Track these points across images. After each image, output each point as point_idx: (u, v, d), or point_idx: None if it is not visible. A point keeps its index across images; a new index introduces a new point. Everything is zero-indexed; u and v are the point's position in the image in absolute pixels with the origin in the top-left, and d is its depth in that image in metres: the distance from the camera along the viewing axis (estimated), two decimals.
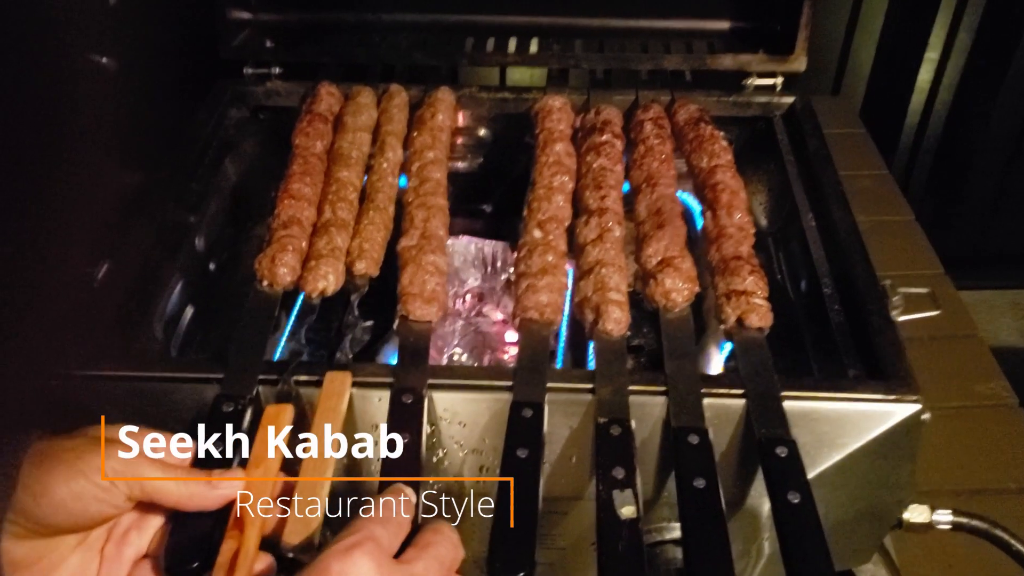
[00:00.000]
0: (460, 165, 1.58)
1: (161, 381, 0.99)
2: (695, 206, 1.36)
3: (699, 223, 1.31)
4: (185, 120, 1.41)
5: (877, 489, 1.01)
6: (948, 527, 1.07)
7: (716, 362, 1.19)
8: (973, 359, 1.69)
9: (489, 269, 1.51)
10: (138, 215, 1.25)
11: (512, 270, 1.34)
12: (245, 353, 1.00)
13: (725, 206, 1.16)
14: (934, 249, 2.06)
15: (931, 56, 2.47)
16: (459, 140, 1.55)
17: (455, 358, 1.38)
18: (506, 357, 1.35)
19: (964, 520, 1.08)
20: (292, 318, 1.26)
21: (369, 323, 1.35)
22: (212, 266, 1.35)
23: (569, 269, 1.14)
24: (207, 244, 1.34)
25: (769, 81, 1.46)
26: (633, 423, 0.93)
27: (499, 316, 1.43)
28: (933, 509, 1.07)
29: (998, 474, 1.48)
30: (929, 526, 1.07)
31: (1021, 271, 2.89)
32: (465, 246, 1.49)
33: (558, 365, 1.20)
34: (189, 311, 1.27)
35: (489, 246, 1.49)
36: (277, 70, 1.48)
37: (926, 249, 1.94)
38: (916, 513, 1.06)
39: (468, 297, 1.50)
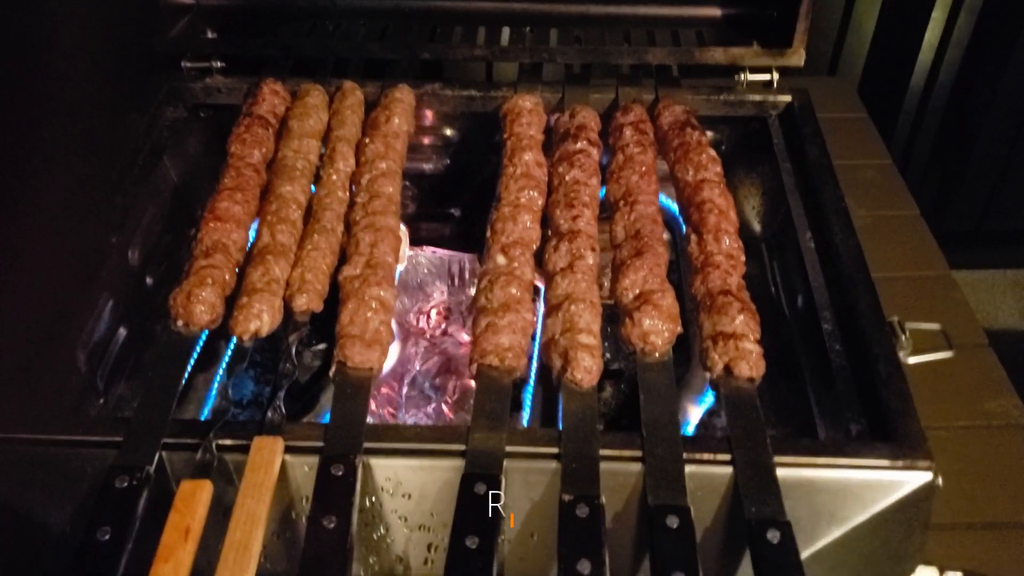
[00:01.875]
0: (426, 167, 1.45)
1: (54, 445, 0.86)
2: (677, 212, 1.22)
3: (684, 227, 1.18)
4: (115, 121, 1.27)
5: (882, 562, 0.89)
6: None
7: (698, 411, 1.06)
8: (982, 372, 1.56)
9: (456, 282, 1.37)
10: (54, 230, 1.11)
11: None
12: (149, 411, 0.87)
13: (712, 229, 1.03)
14: (935, 226, 1.94)
15: (936, 16, 2.33)
16: (425, 140, 1.41)
17: (416, 384, 1.25)
18: (473, 384, 1.22)
19: None
20: (223, 366, 1.13)
21: (319, 353, 1.22)
22: (149, 280, 1.22)
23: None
24: (142, 256, 1.20)
25: (764, 77, 1.31)
26: (603, 499, 0.80)
27: (466, 337, 1.30)
28: (943, 571, 0.95)
29: (1011, 504, 1.36)
30: None
31: (1023, 250, 2.78)
32: (429, 258, 1.36)
33: (525, 415, 1.07)
34: (122, 333, 1.14)
35: (456, 258, 1.35)
36: (218, 64, 1.33)
37: (930, 247, 1.80)
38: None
39: (433, 314, 1.37)
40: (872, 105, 2.16)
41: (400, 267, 1.28)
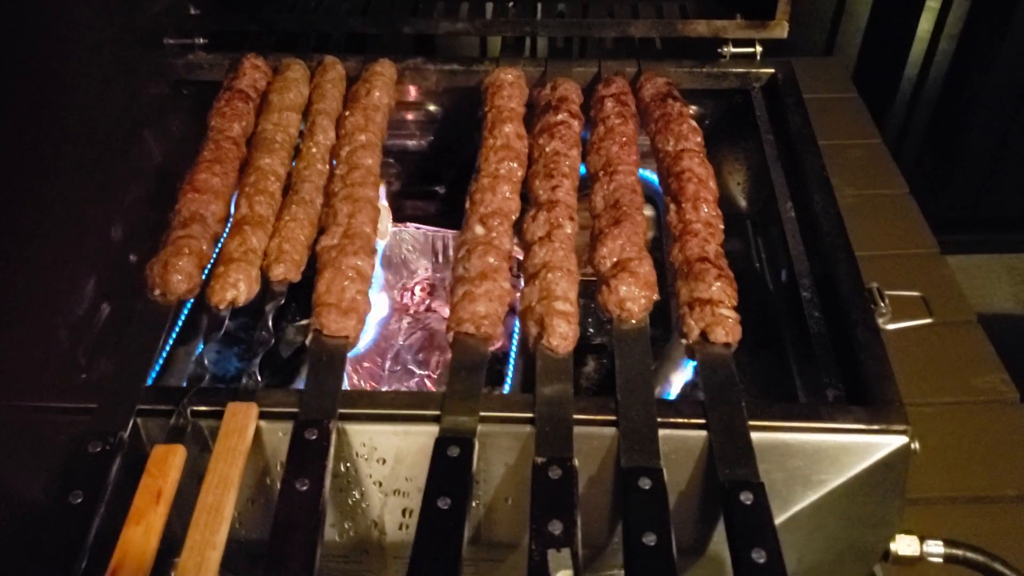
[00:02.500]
0: (409, 143, 1.44)
1: (28, 412, 0.86)
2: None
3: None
4: (97, 98, 1.26)
5: (859, 528, 0.88)
6: (940, 560, 0.95)
7: (679, 379, 1.06)
8: (970, 348, 1.56)
9: (440, 259, 1.37)
10: (35, 208, 1.11)
11: None
12: (123, 378, 0.87)
13: (691, 198, 1.02)
14: (929, 211, 1.92)
15: (932, 5, 2.32)
16: (408, 116, 1.41)
17: (400, 359, 1.25)
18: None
19: (958, 552, 0.95)
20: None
21: (301, 328, 1.22)
22: (133, 257, 1.21)
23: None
24: (125, 233, 1.20)
25: (747, 50, 1.31)
26: (576, 462, 0.80)
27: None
28: (923, 540, 0.95)
29: (996, 479, 1.36)
30: (919, 559, 0.94)
31: (1018, 235, 2.77)
32: (413, 234, 1.36)
33: (506, 388, 1.07)
34: (105, 309, 1.13)
35: (440, 234, 1.35)
36: (200, 40, 1.33)
37: (919, 225, 1.80)
38: (904, 545, 0.93)
39: (417, 290, 1.36)
40: (867, 91, 2.16)
41: (382, 242, 1.28)
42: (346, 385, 1.08)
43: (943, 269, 1.71)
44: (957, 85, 2.47)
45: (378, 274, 1.21)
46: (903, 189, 1.87)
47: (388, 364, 1.24)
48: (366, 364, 1.21)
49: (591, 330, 1.25)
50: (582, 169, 1.14)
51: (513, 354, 1.11)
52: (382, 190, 1.18)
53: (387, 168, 1.47)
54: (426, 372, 1.23)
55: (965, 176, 2.65)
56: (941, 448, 1.39)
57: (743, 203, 1.37)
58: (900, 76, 2.48)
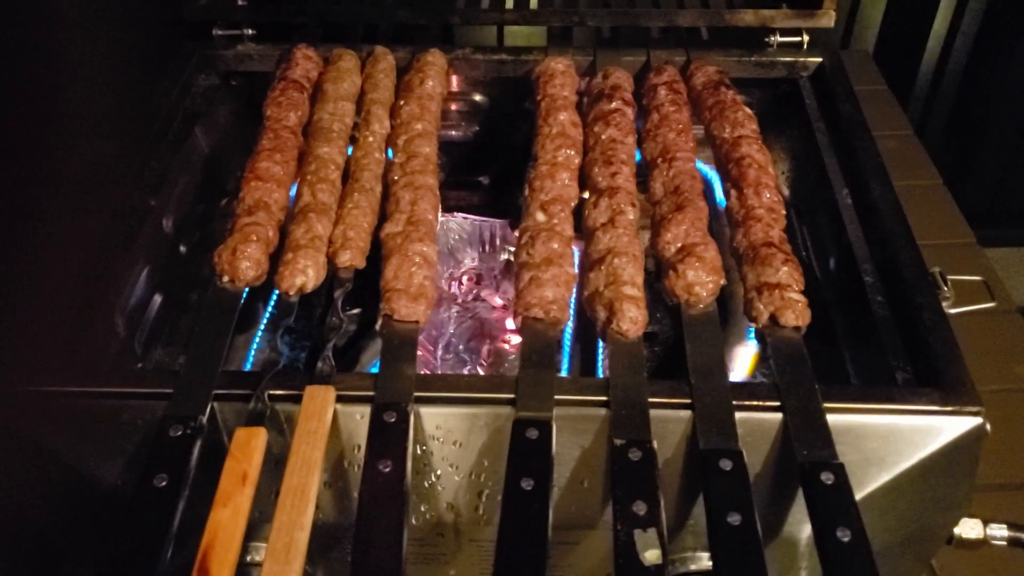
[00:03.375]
0: (454, 134, 1.45)
1: (103, 397, 0.86)
2: (715, 177, 1.23)
3: (720, 199, 1.18)
4: (147, 89, 1.27)
5: (930, 510, 0.89)
6: (1004, 543, 0.95)
7: (743, 358, 1.06)
8: (1012, 336, 1.56)
9: (487, 248, 1.37)
10: (93, 197, 1.12)
11: (512, 250, 1.21)
12: (199, 364, 0.87)
13: (752, 184, 1.03)
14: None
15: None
16: (453, 106, 1.41)
17: (451, 347, 1.26)
18: (507, 347, 1.23)
19: (1023, 535, 0.96)
20: (264, 320, 1.13)
21: (354, 317, 1.22)
22: (183, 248, 1.22)
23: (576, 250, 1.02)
24: (175, 224, 1.20)
25: (794, 39, 1.31)
26: (655, 444, 0.81)
27: (499, 301, 1.30)
28: (986, 523, 0.95)
29: None
30: (983, 542, 0.95)
31: None
32: (460, 224, 1.36)
33: (563, 370, 1.07)
34: (157, 299, 1.14)
35: (487, 224, 1.35)
36: (249, 31, 1.34)
37: (955, 216, 1.80)
38: (968, 528, 0.94)
39: (465, 279, 1.37)
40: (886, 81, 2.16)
41: None
42: None
43: (981, 260, 1.71)
44: (976, 77, 2.47)
45: None
46: (937, 180, 1.87)
47: (440, 353, 1.24)
48: (420, 352, 1.21)
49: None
50: (637, 155, 1.15)
51: (568, 339, 1.11)
52: None
53: None
54: (477, 360, 1.24)
55: (985, 170, 2.65)
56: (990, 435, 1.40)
57: (787, 192, 1.38)
58: (918, 68, 2.48)
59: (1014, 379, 1.48)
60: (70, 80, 1.13)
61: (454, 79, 1.36)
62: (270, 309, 1.12)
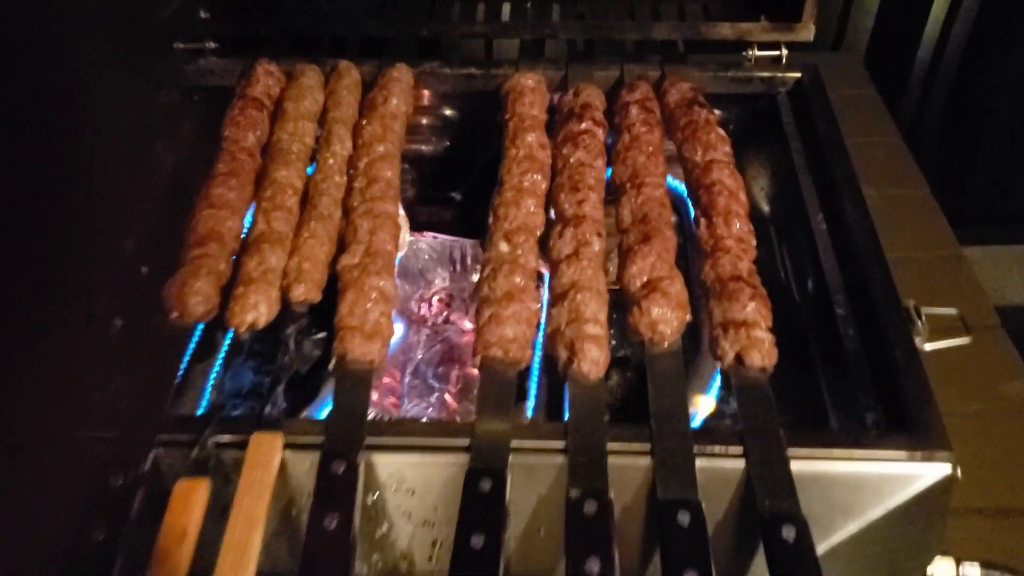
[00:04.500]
0: (425, 148, 1.41)
1: (50, 438, 0.83)
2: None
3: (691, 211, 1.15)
4: (107, 106, 1.23)
5: (900, 557, 0.86)
6: None
7: (708, 397, 1.03)
8: (996, 354, 1.53)
9: (458, 268, 1.34)
10: (46, 221, 1.08)
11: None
12: (142, 406, 0.84)
13: (722, 212, 0.99)
14: (942, 203, 1.89)
15: None
16: (424, 120, 1.38)
17: (419, 373, 1.23)
18: (477, 372, 1.20)
19: (996, 573, 0.93)
20: (220, 358, 1.10)
21: (319, 342, 1.19)
22: (144, 270, 1.18)
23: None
24: (136, 245, 1.17)
25: (772, 53, 1.27)
26: (612, 494, 0.78)
27: (469, 325, 1.27)
28: (959, 562, 0.92)
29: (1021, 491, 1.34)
30: None
31: None
32: (430, 244, 1.33)
33: (529, 405, 1.04)
34: (117, 324, 1.11)
35: (457, 244, 1.32)
36: (212, 45, 1.30)
37: (942, 227, 1.77)
38: (941, 569, 0.91)
39: (435, 301, 1.34)
40: (877, 82, 2.12)
41: (400, 254, 1.25)
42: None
43: (967, 272, 1.67)
44: (970, 76, 2.43)
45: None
46: (924, 189, 1.84)
47: (407, 379, 1.21)
48: (385, 379, 1.19)
49: (614, 342, 1.22)
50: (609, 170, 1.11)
51: (536, 370, 1.08)
52: None
53: (402, 175, 1.43)
54: (446, 387, 1.21)
55: (980, 167, 2.61)
56: (969, 458, 1.37)
57: (766, 208, 1.34)
58: (911, 68, 2.45)
59: (998, 398, 1.45)
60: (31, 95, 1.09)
61: (425, 93, 1.32)
62: (225, 345, 1.09)
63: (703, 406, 1.03)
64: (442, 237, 1.33)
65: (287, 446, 0.82)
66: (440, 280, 1.34)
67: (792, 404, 1.11)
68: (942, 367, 1.50)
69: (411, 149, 1.40)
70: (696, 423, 1.04)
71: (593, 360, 0.87)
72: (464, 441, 0.82)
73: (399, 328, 1.18)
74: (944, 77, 2.46)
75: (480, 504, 0.76)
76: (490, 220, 1.04)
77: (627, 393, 1.18)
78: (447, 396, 1.20)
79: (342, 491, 0.77)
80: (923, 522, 0.83)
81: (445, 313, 1.31)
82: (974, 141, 2.57)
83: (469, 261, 1.32)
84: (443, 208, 1.46)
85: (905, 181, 1.85)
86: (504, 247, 1.00)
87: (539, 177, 1.07)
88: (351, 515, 0.76)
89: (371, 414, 1.07)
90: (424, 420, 1.03)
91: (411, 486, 0.82)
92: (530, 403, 1.07)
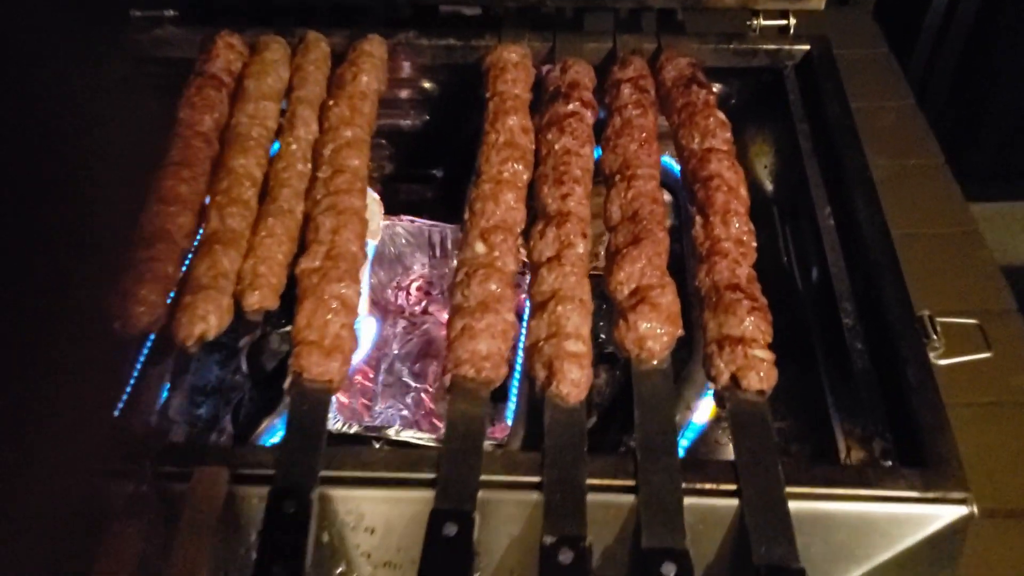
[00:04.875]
0: (403, 123, 1.32)
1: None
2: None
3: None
4: (52, 81, 1.13)
5: None
6: None
7: (703, 407, 0.95)
8: (1009, 342, 1.44)
9: (438, 253, 1.25)
10: None
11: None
12: (79, 431, 0.76)
13: (720, 211, 0.90)
14: (953, 160, 1.78)
15: None
16: (403, 94, 1.28)
17: (394, 370, 1.15)
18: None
19: None
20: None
21: (287, 336, 1.10)
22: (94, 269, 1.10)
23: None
24: (77, 241, 1.08)
25: (779, 22, 1.17)
26: (590, 540, 0.70)
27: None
28: None
29: None
30: None
31: None
32: (407, 228, 1.24)
33: (510, 407, 0.96)
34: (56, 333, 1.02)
35: (436, 228, 1.23)
36: (170, 12, 1.19)
37: (956, 200, 1.66)
38: None
39: (413, 289, 1.25)
40: (887, 32, 2.01)
41: (374, 242, 1.16)
42: (334, 413, 0.99)
43: (981, 251, 1.58)
44: (983, 28, 2.33)
45: (366, 282, 1.10)
46: (939, 158, 1.73)
47: (382, 377, 1.13)
48: (357, 378, 1.11)
49: (602, 336, 1.14)
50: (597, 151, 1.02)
51: (517, 377, 1.00)
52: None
53: (379, 150, 1.34)
54: (423, 385, 1.13)
55: (993, 123, 2.51)
56: (978, 455, 1.29)
57: (770, 187, 1.25)
58: (923, 20, 2.34)
59: (1010, 390, 1.37)
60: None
61: (403, 64, 1.22)
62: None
63: (701, 411, 0.94)
64: (419, 221, 1.24)
65: (236, 478, 0.74)
66: (419, 266, 1.26)
67: (793, 408, 1.03)
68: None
69: (389, 124, 1.31)
70: (692, 432, 0.97)
71: (573, 381, 0.79)
72: (429, 474, 0.74)
73: (372, 325, 1.10)
74: (958, 27, 2.36)
75: (445, 550, 0.69)
76: (466, 216, 0.95)
77: (616, 393, 1.10)
78: (424, 396, 1.12)
79: (292, 534, 0.70)
80: (933, 566, 0.76)
81: (424, 303, 1.23)
82: (987, 94, 2.47)
83: (449, 245, 1.24)
84: (424, 186, 1.37)
85: (918, 150, 1.74)
86: (480, 248, 0.91)
87: (520, 167, 0.98)
88: (302, 563, 0.69)
89: (338, 422, 1.00)
90: (386, 448, 0.94)
91: (371, 524, 0.75)
92: (511, 406, 0.99)
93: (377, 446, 0.99)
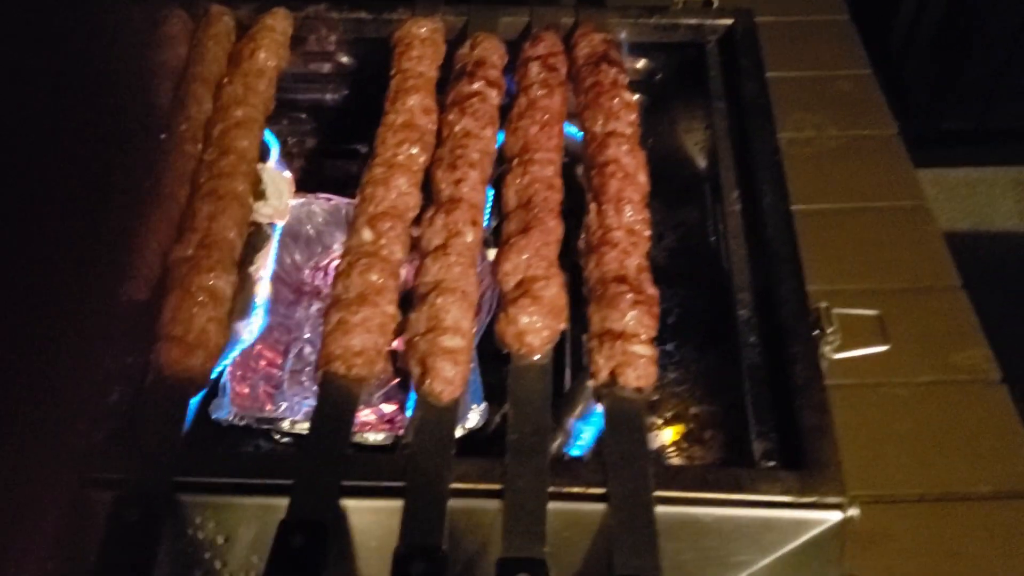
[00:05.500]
0: (326, 97, 1.28)
1: None
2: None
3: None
4: None
5: None
6: None
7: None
8: (952, 318, 1.41)
9: None
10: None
11: None
12: None
13: (613, 199, 0.87)
14: (935, 120, 1.73)
15: None
16: (323, 68, 1.24)
17: (303, 355, 1.12)
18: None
19: None
20: None
21: None
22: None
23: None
24: None
25: None
26: (446, 549, 0.68)
27: None
28: None
29: (969, 472, 1.24)
30: None
31: None
32: (322, 207, 1.20)
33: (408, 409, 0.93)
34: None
35: (352, 205, 1.19)
36: None
37: (906, 173, 1.62)
38: None
39: (332, 268, 1.22)
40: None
41: (280, 223, 1.13)
42: (227, 403, 0.96)
43: (928, 226, 1.54)
44: None
45: (270, 265, 1.07)
46: (891, 130, 1.69)
47: (290, 363, 1.10)
48: (262, 364, 1.08)
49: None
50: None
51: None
52: (275, 157, 1.04)
53: (301, 125, 1.31)
54: None
55: (971, 85, 2.48)
56: (913, 437, 1.27)
57: (702, 164, 1.21)
58: None
59: (949, 368, 1.34)
60: None
61: (326, 38, 1.18)
62: None
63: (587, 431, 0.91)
64: (336, 198, 1.20)
65: (85, 482, 0.72)
66: (339, 246, 1.22)
67: (711, 391, 1.01)
68: (895, 330, 1.40)
69: (311, 98, 1.27)
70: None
71: (446, 379, 0.76)
72: (285, 480, 0.71)
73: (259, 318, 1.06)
74: None
75: (291, 564, 0.66)
76: (356, 200, 0.92)
77: None
78: None
79: (136, 546, 0.67)
80: (812, 572, 0.73)
81: None
82: (968, 54, 2.43)
83: None
84: (349, 161, 1.33)
85: (871, 121, 1.70)
86: (367, 235, 0.88)
87: (416, 150, 0.94)
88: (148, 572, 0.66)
89: (232, 412, 0.97)
90: (242, 453, 0.91)
91: (225, 532, 0.72)
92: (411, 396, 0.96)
93: (277, 438, 0.96)
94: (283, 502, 0.70)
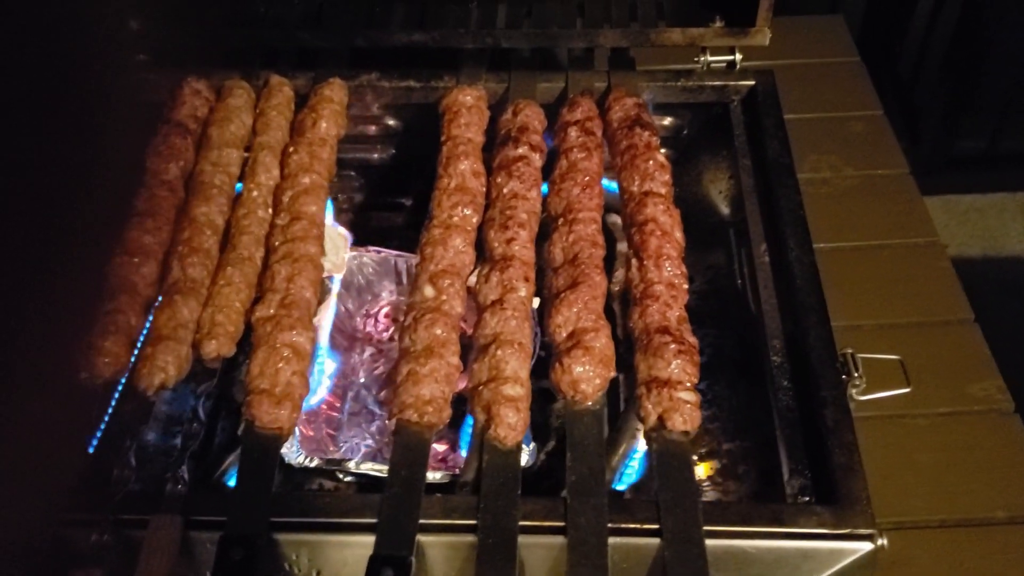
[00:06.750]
0: (373, 156, 1.37)
1: None
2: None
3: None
4: None
5: None
6: None
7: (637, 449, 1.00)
8: (967, 351, 1.48)
9: (404, 280, 1.30)
10: None
11: None
12: (43, 480, 0.82)
13: (653, 255, 0.95)
14: (944, 146, 1.78)
15: None
16: (371, 130, 1.33)
17: (360, 398, 1.20)
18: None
19: None
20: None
21: None
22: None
23: None
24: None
25: (727, 58, 1.21)
26: None
27: None
28: None
29: (985, 499, 1.31)
30: None
31: None
32: (373, 257, 1.29)
33: (462, 448, 1.01)
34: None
35: (401, 258, 1.28)
36: (141, 57, 1.24)
37: (919, 211, 1.70)
38: None
39: (382, 316, 1.30)
40: (882, 18, 2.02)
41: (339, 275, 1.22)
42: (297, 446, 1.04)
43: (941, 262, 1.62)
44: (975, 12, 2.35)
45: (331, 314, 1.16)
46: (904, 169, 1.77)
47: (348, 406, 1.19)
48: (323, 407, 1.16)
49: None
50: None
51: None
52: (331, 215, 1.13)
53: (349, 181, 1.40)
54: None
55: (981, 110, 2.53)
56: (931, 466, 1.33)
57: (726, 211, 1.30)
58: (915, 6, 2.36)
59: (965, 399, 1.41)
60: None
61: (368, 102, 1.27)
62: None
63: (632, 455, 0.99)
64: (385, 251, 1.28)
65: (190, 525, 0.80)
66: (387, 293, 1.31)
67: (742, 428, 1.08)
68: (913, 363, 1.47)
69: (359, 157, 1.36)
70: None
71: (510, 425, 0.84)
72: (370, 519, 0.79)
73: (331, 364, 1.15)
74: (947, 15, 2.38)
75: None
76: (417, 260, 1.00)
77: None
78: (388, 423, 1.17)
79: None
80: None
81: (392, 329, 1.28)
82: (978, 80, 2.48)
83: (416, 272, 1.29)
84: (394, 213, 1.42)
85: (885, 160, 1.78)
86: (429, 291, 0.96)
87: (470, 212, 1.03)
88: None
89: (300, 455, 1.05)
90: (335, 491, 1.00)
91: (321, 566, 0.80)
92: (463, 440, 1.05)
93: (341, 477, 1.04)
94: (369, 539, 0.78)
